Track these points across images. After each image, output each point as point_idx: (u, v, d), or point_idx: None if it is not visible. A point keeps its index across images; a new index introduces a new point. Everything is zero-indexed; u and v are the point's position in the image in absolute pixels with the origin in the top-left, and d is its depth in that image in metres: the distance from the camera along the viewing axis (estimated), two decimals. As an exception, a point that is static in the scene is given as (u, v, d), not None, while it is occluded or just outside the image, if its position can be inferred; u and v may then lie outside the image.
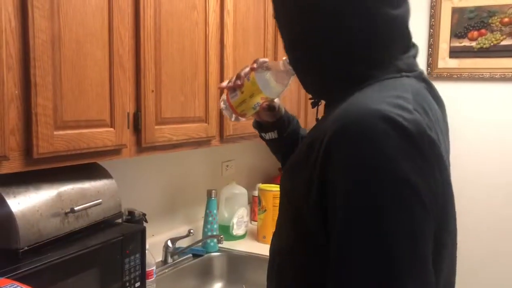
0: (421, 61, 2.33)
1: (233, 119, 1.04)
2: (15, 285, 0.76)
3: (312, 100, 0.90)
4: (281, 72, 0.93)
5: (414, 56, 0.80)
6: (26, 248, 1.00)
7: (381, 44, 0.74)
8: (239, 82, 0.99)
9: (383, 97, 0.68)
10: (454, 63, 2.28)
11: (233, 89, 1.00)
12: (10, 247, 0.98)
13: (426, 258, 0.64)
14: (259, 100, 0.98)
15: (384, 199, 0.62)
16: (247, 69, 0.99)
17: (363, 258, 0.63)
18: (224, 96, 1.04)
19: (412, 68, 0.77)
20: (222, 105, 1.04)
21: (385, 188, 0.62)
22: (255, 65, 0.98)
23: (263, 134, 1.13)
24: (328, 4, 0.73)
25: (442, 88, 2.52)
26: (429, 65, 2.31)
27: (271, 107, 1.03)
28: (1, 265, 0.93)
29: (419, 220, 0.63)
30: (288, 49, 0.82)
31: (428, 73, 2.32)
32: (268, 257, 0.87)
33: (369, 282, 0.62)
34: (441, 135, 0.72)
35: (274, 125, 1.09)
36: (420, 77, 0.78)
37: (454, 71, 2.28)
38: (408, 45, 0.79)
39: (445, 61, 2.29)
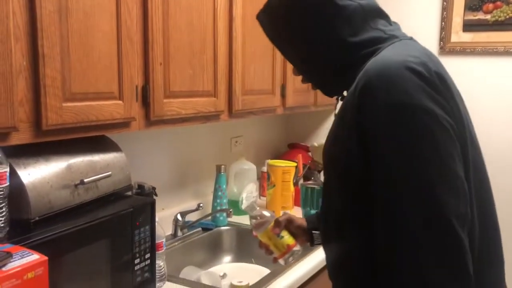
0: (433, 35, 2.28)
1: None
2: (26, 252, 0.77)
3: (337, 97, 1.05)
4: None
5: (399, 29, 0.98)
6: (37, 218, 1.01)
7: (369, 25, 0.93)
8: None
9: (396, 53, 0.86)
10: (467, 37, 2.23)
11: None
12: (22, 217, 0.99)
13: (456, 173, 0.78)
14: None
15: (412, 127, 0.77)
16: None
17: (403, 182, 0.77)
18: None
19: (405, 35, 0.96)
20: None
21: (412, 118, 0.78)
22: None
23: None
24: (310, 33, 0.94)
25: (455, 63, 2.49)
26: (441, 39, 2.27)
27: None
28: (13, 235, 0.95)
29: (442, 139, 0.78)
30: (298, 68, 1.04)
31: (441, 47, 2.27)
32: None
33: (410, 200, 0.76)
34: (450, 79, 0.89)
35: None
36: (414, 39, 0.96)
37: (468, 45, 2.23)
38: (389, 22, 0.97)
39: (458, 35, 2.24)
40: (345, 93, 0.99)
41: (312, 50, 0.96)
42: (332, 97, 1.05)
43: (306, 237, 1.25)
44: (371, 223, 0.83)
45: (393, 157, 0.78)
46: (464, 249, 0.77)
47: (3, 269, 0.71)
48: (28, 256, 0.76)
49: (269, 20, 1.01)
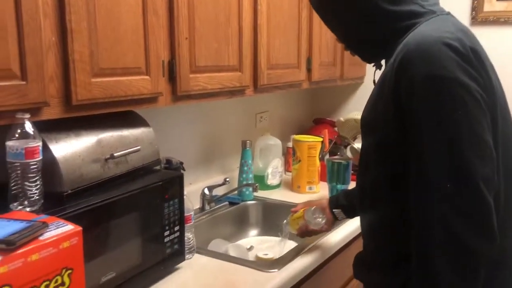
0: (466, 5, 2.20)
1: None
2: (61, 222, 0.79)
3: (374, 64, 1.12)
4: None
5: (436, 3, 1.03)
6: (69, 191, 1.04)
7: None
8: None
9: (433, 29, 0.92)
10: (501, 5, 2.14)
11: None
12: (55, 190, 1.02)
13: (485, 140, 0.85)
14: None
15: (446, 98, 0.84)
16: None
17: (435, 146, 0.85)
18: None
19: (443, 10, 1.01)
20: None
21: (448, 90, 0.84)
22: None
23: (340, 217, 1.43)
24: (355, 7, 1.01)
25: (488, 33, 2.39)
26: (473, 8, 2.18)
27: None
28: (48, 207, 0.98)
29: (473, 110, 0.85)
30: (340, 36, 1.10)
31: (473, 17, 2.19)
32: None
33: (440, 163, 0.84)
34: (484, 53, 0.95)
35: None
36: (451, 15, 1.01)
37: (501, 14, 2.14)
38: None
39: (491, 4, 2.15)
40: (383, 62, 1.06)
41: (354, 18, 1.02)
42: (370, 63, 1.13)
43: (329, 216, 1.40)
44: (406, 190, 0.90)
45: (427, 123, 0.85)
46: (490, 210, 0.84)
47: (40, 238, 0.74)
48: (63, 226, 0.79)
49: None
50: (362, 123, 1.04)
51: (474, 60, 0.88)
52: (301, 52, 1.86)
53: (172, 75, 1.28)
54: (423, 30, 0.93)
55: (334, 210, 1.40)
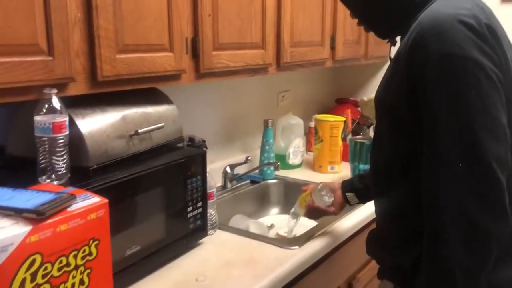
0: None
1: None
2: (88, 195, 0.81)
3: (389, 40, 1.11)
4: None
5: None
6: (95, 166, 1.06)
7: None
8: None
9: (448, 5, 0.89)
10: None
11: None
12: (81, 165, 1.04)
13: (499, 120, 0.84)
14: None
15: (460, 76, 0.83)
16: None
17: (448, 125, 0.84)
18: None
19: None
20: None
21: (462, 68, 0.83)
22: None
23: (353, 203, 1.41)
24: None
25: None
26: (505, -15, 2.11)
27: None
28: (74, 181, 1.00)
29: (487, 89, 0.83)
30: (355, 11, 1.09)
31: (503, -6, 2.11)
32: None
33: (453, 143, 0.83)
34: (501, 30, 0.93)
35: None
36: None
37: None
38: None
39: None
40: (398, 38, 1.05)
41: None
42: (385, 39, 1.11)
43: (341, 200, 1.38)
44: (419, 169, 0.89)
45: (440, 101, 0.85)
46: (503, 190, 0.83)
47: (68, 209, 0.76)
48: (90, 198, 0.80)
49: None
50: (376, 101, 1.03)
51: (490, 38, 0.86)
52: (325, 29, 1.83)
53: (195, 52, 1.28)
54: (438, 6, 0.90)
55: (347, 194, 1.37)
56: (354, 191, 1.36)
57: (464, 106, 0.83)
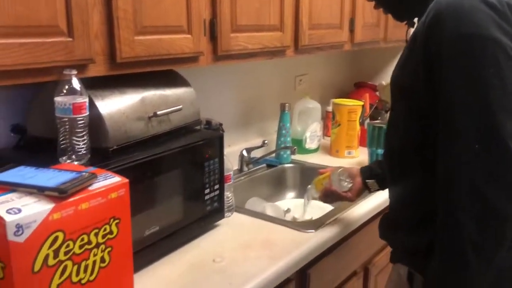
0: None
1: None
2: (109, 174, 0.82)
3: (406, 22, 1.10)
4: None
5: None
6: (115, 147, 1.07)
7: None
8: None
9: None
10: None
11: None
12: (101, 146, 1.05)
13: None
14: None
15: (479, 56, 0.81)
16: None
17: (465, 104, 0.82)
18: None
19: None
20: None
21: (481, 49, 0.81)
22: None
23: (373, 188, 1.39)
24: None
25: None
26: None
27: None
28: (94, 162, 1.01)
29: (507, 69, 0.81)
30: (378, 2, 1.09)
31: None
32: None
33: (470, 122, 0.81)
34: None
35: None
36: None
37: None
38: None
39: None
40: (415, 20, 1.01)
41: None
42: (403, 21, 1.09)
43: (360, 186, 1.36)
44: (435, 151, 0.88)
45: (458, 82, 0.83)
46: None
47: (90, 188, 0.77)
48: (111, 178, 0.81)
49: None
50: (392, 83, 1.02)
51: (511, 16, 0.83)
52: (344, 12, 1.81)
53: (213, 34, 1.28)
54: None
55: (367, 181, 1.35)
56: (375, 177, 1.35)
57: (483, 87, 0.81)
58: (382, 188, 1.37)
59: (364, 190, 1.38)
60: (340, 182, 1.36)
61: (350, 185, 1.35)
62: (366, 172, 1.37)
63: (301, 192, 1.91)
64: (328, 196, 1.40)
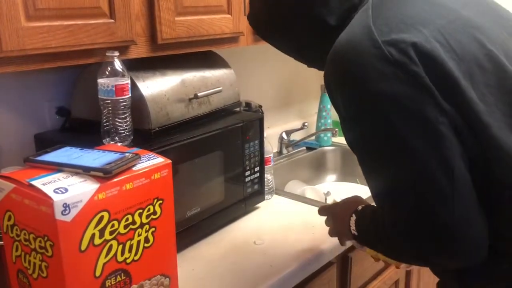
0: None
1: None
2: (152, 155, 0.82)
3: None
4: None
5: None
6: (157, 129, 1.07)
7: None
8: None
9: (361, 24, 0.73)
10: None
11: None
12: (143, 128, 1.06)
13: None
14: None
15: (372, 118, 0.72)
16: None
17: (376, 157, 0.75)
18: None
19: None
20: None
21: (373, 108, 0.71)
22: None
23: None
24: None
25: None
26: None
27: None
28: (136, 143, 1.02)
29: (406, 133, 0.69)
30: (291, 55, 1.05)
31: None
32: None
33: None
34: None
35: None
36: None
37: None
38: None
39: None
40: None
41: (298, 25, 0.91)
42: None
43: None
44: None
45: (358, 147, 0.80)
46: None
47: (133, 168, 0.77)
48: (154, 158, 0.82)
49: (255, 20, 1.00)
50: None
51: (420, 58, 0.67)
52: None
53: (253, 14, 1.25)
54: (348, 31, 0.75)
55: None
56: None
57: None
58: None
59: None
60: None
61: None
62: None
63: (342, 175, 1.88)
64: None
